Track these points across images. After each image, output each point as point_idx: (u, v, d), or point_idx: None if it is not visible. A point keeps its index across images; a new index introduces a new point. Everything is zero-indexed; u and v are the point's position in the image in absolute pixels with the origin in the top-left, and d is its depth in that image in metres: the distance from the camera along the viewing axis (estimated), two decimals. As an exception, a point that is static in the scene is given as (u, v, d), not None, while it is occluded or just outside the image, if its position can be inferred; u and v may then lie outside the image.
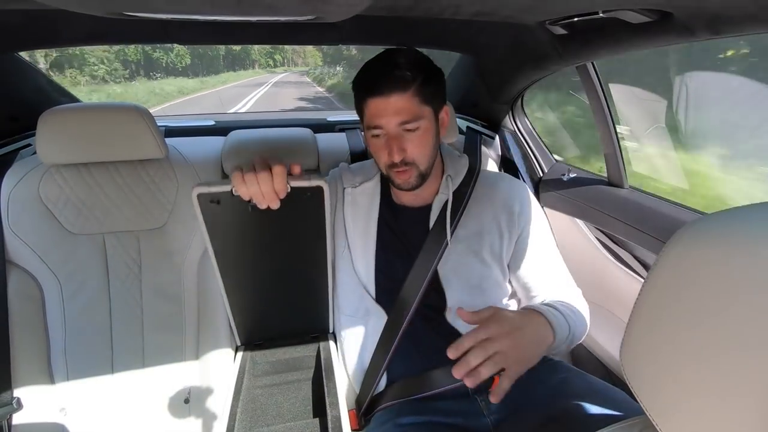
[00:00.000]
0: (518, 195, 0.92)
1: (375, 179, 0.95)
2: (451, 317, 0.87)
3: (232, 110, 11.70)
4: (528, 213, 0.91)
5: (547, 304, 0.80)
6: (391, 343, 0.86)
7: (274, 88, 17.49)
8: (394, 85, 0.77)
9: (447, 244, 0.86)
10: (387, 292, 0.89)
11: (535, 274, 0.90)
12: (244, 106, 12.61)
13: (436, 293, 0.87)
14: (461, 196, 0.90)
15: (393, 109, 0.77)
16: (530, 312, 0.74)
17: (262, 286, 1.02)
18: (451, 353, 0.64)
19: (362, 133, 1.26)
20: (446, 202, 0.88)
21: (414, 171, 0.82)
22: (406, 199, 0.92)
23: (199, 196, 0.74)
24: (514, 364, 0.64)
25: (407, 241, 0.90)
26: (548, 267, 0.90)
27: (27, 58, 1.14)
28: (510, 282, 0.93)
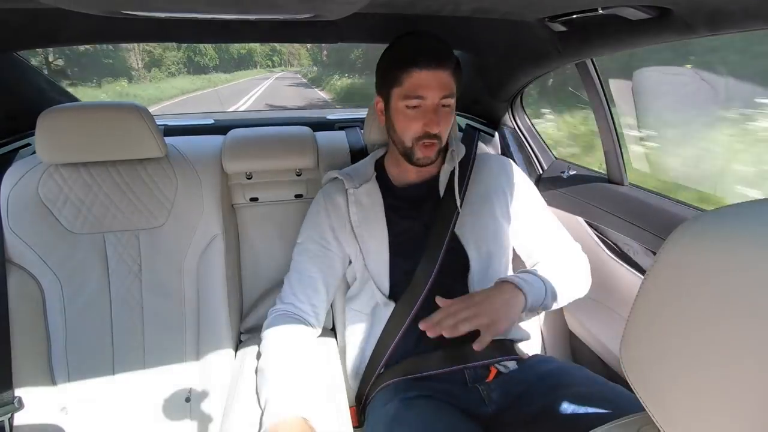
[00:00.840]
0: (508, 164, 1.02)
1: (372, 179, 0.97)
2: (474, 282, 0.90)
3: (262, 86, 20.29)
4: (520, 179, 1.00)
5: (523, 271, 0.88)
6: (397, 330, 0.87)
7: (276, 81, 26.55)
8: (443, 60, 0.82)
9: (458, 210, 0.91)
10: (400, 283, 0.90)
11: (534, 236, 0.97)
12: (266, 84, 21.89)
13: (455, 259, 0.90)
14: (465, 166, 0.96)
15: (439, 82, 0.83)
16: (498, 284, 0.82)
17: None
18: (422, 324, 0.74)
19: (361, 130, 1.26)
20: (453, 171, 0.93)
21: (437, 146, 0.87)
22: (411, 176, 0.96)
23: None
24: (489, 323, 0.74)
25: (419, 215, 0.93)
26: (546, 228, 0.98)
27: (26, 58, 1.14)
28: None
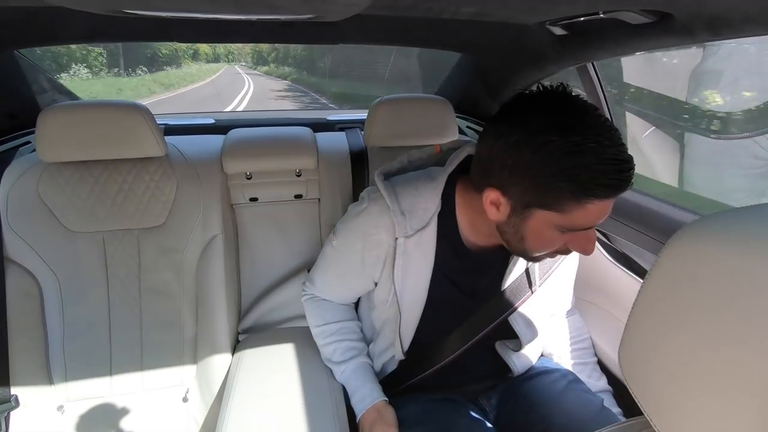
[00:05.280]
0: None
1: (432, 225, 0.75)
2: (510, 354, 0.87)
3: (240, 72, 29.46)
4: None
5: None
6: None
7: (239, 68, 36.02)
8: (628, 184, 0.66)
9: (531, 292, 0.79)
10: (422, 342, 0.82)
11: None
12: (241, 70, 31.48)
13: (495, 335, 0.84)
14: None
15: (609, 207, 0.67)
16: None
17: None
18: None
19: (361, 132, 1.26)
20: None
21: None
22: (485, 239, 0.76)
23: None
24: None
25: (469, 281, 0.80)
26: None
27: (26, 56, 1.14)
28: None
